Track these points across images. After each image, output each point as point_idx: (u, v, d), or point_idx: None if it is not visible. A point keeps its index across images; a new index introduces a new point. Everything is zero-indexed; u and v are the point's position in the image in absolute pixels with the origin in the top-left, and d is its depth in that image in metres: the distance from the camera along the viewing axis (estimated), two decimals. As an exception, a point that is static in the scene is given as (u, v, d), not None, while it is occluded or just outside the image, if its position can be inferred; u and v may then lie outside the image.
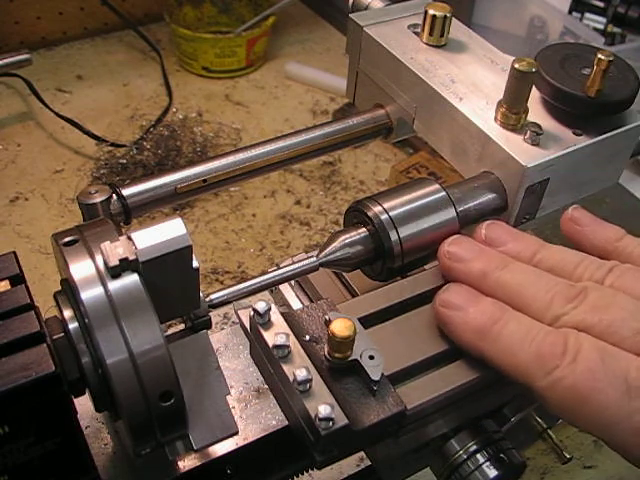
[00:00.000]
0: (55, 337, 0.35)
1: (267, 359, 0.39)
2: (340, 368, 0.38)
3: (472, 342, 0.39)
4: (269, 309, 0.39)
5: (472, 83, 0.52)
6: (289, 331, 0.39)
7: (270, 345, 0.38)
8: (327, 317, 0.39)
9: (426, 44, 0.55)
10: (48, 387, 0.32)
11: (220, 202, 1.00)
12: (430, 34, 0.55)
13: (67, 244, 0.35)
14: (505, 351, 0.38)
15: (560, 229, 0.45)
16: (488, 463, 0.46)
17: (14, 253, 0.37)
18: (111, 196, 0.46)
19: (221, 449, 0.42)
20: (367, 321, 0.42)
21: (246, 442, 0.42)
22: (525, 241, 0.43)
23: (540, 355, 0.36)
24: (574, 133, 0.49)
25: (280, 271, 0.44)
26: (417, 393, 0.39)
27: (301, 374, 0.36)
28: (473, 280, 0.41)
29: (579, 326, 0.37)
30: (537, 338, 0.37)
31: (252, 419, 0.43)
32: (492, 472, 0.46)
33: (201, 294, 0.40)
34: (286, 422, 0.42)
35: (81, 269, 0.34)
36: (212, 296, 0.42)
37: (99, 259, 0.34)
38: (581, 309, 0.38)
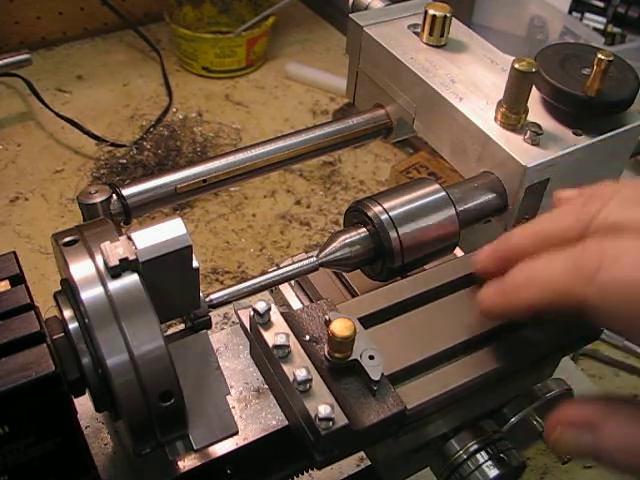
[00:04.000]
0: (55, 337, 0.35)
1: (267, 359, 0.39)
2: (340, 368, 0.38)
3: (518, 301, 0.37)
4: (269, 309, 0.39)
5: (472, 83, 0.52)
6: (289, 331, 0.39)
7: (270, 345, 0.38)
8: (327, 317, 0.39)
9: (426, 44, 0.55)
10: (48, 387, 0.32)
11: (220, 202, 1.00)
12: (430, 34, 0.55)
13: (67, 244, 0.35)
14: (542, 285, 0.36)
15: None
16: (488, 463, 0.46)
17: (14, 253, 0.37)
18: (111, 196, 0.46)
19: (221, 449, 0.42)
20: (367, 321, 0.42)
21: (246, 442, 0.42)
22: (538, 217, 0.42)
23: (577, 266, 0.34)
24: (574, 133, 0.49)
25: (280, 271, 0.44)
26: (417, 393, 0.39)
27: (301, 374, 0.36)
28: (502, 252, 0.41)
29: (616, 225, 0.35)
30: (568, 255, 0.35)
31: (252, 419, 0.43)
32: (492, 472, 0.46)
33: (201, 294, 0.40)
34: (286, 422, 0.42)
35: (81, 269, 0.34)
36: (212, 296, 0.42)
37: (99, 259, 0.34)
38: (615, 204, 0.36)
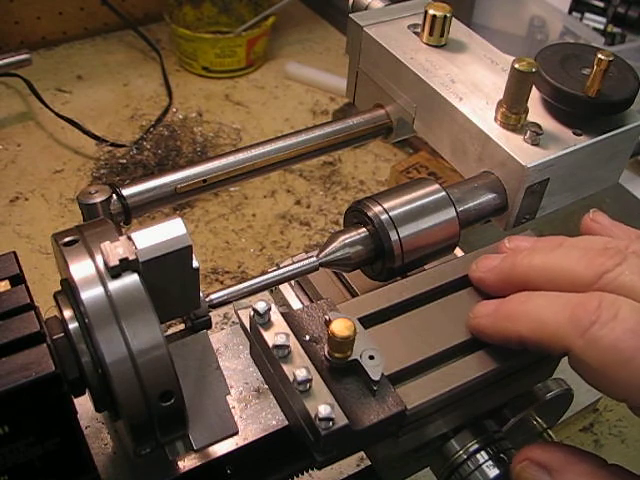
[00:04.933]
0: (55, 337, 0.35)
1: (267, 359, 0.39)
2: (340, 368, 0.38)
3: (508, 329, 0.39)
4: (269, 309, 0.39)
5: (472, 83, 0.52)
6: (289, 331, 0.39)
7: (270, 345, 0.38)
8: (327, 317, 0.39)
9: (426, 44, 0.55)
10: (48, 387, 0.32)
11: (220, 202, 1.00)
12: (430, 34, 0.55)
13: (67, 244, 0.35)
14: (535, 322, 0.37)
15: (580, 231, 0.45)
16: (488, 463, 0.46)
17: (14, 253, 0.37)
18: (111, 196, 0.46)
19: (221, 449, 0.42)
20: (367, 321, 0.42)
21: (246, 442, 0.42)
22: (549, 239, 0.42)
23: (573, 315, 0.35)
24: (574, 133, 0.49)
25: (280, 271, 0.44)
26: (417, 393, 0.39)
27: (301, 374, 0.36)
28: (505, 274, 0.41)
29: (624, 287, 0.35)
30: (569, 301, 0.36)
31: (252, 419, 0.43)
32: (492, 472, 0.46)
33: (201, 294, 0.40)
34: (286, 422, 0.42)
35: (81, 269, 0.34)
36: (212, 296, 0.42)
37: (99, 259, 0.34)
38: (630, 265, 0.36)
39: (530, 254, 0.40)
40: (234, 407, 0.43)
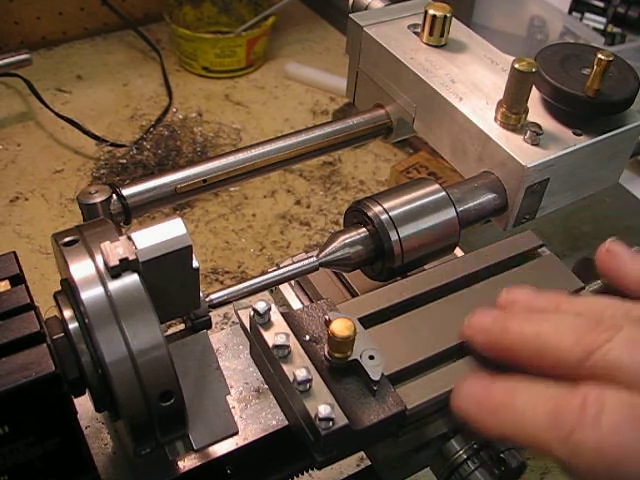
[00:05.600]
0: (55, 337, 0.35)
1: (267, 359, 0.39)
2: (340, 368, 0.38)
3: (491, 426, 0.36)
4: (269, 309, 0.39)
5: (472, 83, 0.52)
6: (289, 331, 0.39)
7: (270, 345, 0.38)
8: (327, 317, 0.39)
9: (426, 44, 0.55)
10: (48, 387, 0.32)
11: (220, 202, 1.00)
12: (430, 34, 0.55)
13: (67, 244, 0.35)
14: (518, 426, 0.34)
15: (596, 264, 0.42)
16: (488, 463, 0.46)
17: (14, 253, 0.37)
18: (111, 196, 0.46)
19: (221, 449, 0.42)
20: (367, 321, 0.42)
21: (246, 442, 0.42)
22: (547, 298, 0.39)
23: (555, 419, 0.32)
24: (574, 133, 0.49)
25: (280, 271, 0.44)
26: (417, 393, 0.39)
27: (301, 374, 0.36)
28: (495, 339, 0.38)
29: (613, 367, 0.33)
30: (551, 399, 0.33)
31: (252, 419, 0.43)
32: (492, 472, 0.46)
33: (201, 294, 0.40)
34: (286, 422, 0.42)
35: (81, 269, 0.34)
36: (212, 296, 0.42)
37: (99, 259, 0.34)
38: (620, 340, 0.33)
39: (521, 322, 0.37)
40: (234, 407, 0.43)
